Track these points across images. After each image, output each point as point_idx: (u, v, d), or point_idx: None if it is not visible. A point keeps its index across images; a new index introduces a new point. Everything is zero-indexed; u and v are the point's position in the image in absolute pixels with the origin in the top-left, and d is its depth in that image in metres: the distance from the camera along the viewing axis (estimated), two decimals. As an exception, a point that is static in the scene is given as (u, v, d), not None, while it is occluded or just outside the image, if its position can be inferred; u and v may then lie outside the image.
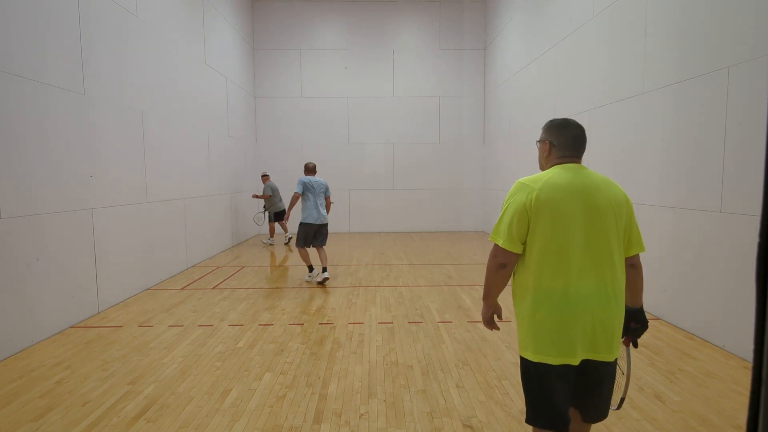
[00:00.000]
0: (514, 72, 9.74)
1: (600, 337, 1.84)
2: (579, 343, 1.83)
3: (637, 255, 2.00)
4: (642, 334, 2.07)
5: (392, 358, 3.82)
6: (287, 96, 12.17)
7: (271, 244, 10.30)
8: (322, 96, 12.17)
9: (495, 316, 2.11)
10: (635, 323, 2.05)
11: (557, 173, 1.90)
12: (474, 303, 5.44)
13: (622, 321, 1.92)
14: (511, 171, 10.06)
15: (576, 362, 1.83)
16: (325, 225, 6.53)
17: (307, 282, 6.51)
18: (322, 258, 6.48)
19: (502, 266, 1.91)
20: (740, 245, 3.72)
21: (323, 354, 3.92)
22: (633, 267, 2.00)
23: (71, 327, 4.64)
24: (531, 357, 1.88)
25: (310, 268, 6.55)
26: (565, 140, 1.97)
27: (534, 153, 8.71)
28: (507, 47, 10.31)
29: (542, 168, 2.06)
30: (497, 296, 2.01)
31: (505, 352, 3.93)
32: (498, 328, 2.14)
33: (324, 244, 6.54)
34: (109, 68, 5.40)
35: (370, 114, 12.25)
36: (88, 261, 4.97)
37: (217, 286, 6.43)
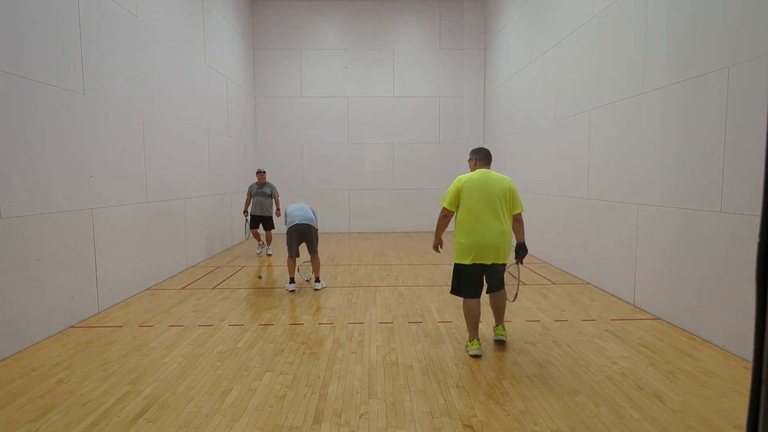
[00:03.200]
0: (514, 72, 9.74)
1: (492, 253, 3.77)
2: (481, 255, 3.77)
3: (519, 213, 3.89)
4: (525, 256, 3.99)
5: (392, 358, 3.82)
6: (287, 96, 12.17)
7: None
8: (322, 96, 12.17)
9: (439, 246, 4.14)
10: (521, 251, 3.98)
11: (475, 174, 3.87)
12: (474, 303, 5.44)
13: (508, 246, 3.83)
14: (511, 170, 10.05)
15: (479, 262, 3.79)
16: (313, 229, 6.05)
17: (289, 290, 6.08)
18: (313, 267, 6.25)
19: (445, 217, 3.92)
20: (740, 245, 3.72)
21: (323, 354, 3.92)
22: (516, 220, 3.91)
23: (71, 327, 4.64)
24: (456, 261, 3.89)
25: (291, 280, 6.12)
26: (480, 158, 4.01)
27: (532, 153, 8.78)
28: (507, 47, 10.31)
29: (471, 170, 4.00)
30: (441, 234, 4.05)
31: (505, 351, 3.93)
32: (440, 252, 4.23)
33: (315, 252, 6.15)
34: (109, 68, 5.40)
35: (370, 114, 12.25)
36: (88, 261, 4.96)
37: (217, 286, 6.43)
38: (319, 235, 6.24)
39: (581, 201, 6.57)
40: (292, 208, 6.15)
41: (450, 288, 3.99)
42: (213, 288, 6.30)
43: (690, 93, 4.31)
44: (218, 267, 7.74)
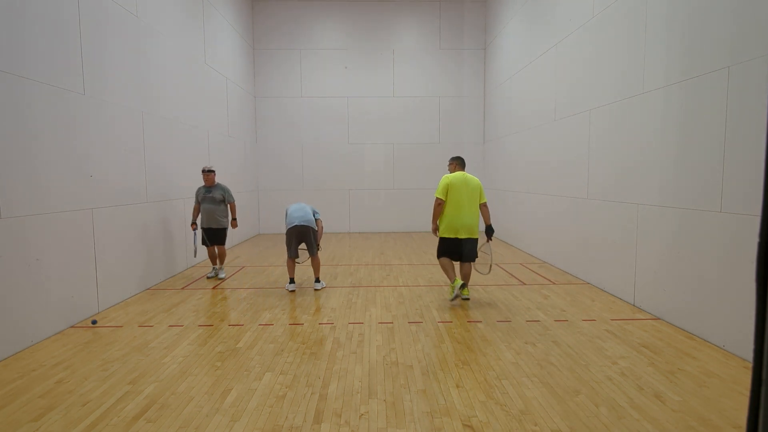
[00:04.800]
0: (514, 72, 9.74)
1: (466, 230, 5.30)
2: (458, 231, 5.30)
3: (484, 202, 5.43)
4: (492, 234, 5.52)
5: (392, 358, 3.82)
6: (287, 96, 12.17)
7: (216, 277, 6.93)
8: (322, 96, 12.17)
9: (437, 231, 5.49)
10: (490, 230, 5.51)
11: (456, 174, 5.43)
12: (474, 303, 5.44)
13: (476, 225, 5.35)
14: (511, 170, 10.06)
15: (456, 236, 5.33)
16: (311, 230, 6.02)
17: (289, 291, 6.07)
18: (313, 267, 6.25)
19: (439, 205, 5.37)
20: (740, 245, 3.72)
21: (323, 354, 3.93)
22: (484, 206, 5.44)
23: (71, 327, 4.64)
24: (441, 235, 5.43)
25: (291, 280, 6.12)
26: (458, 163, 5.61)
27: (532, 153, 8.75)
28: (507, 47, 10.31)
29: (451, 173, 5.51)
30: (437, 219, 5.43)
31: (505, 351, 3.93)
32: (437, 235, 5.50)
33: (315, 253, 6.11)
34: (109, 68, 5.40)
35: (370, 114, 12.25)
36: (88, 261, 4.97)
37: (217, 286, 6.43)
38: (322, 233, 6.29)
39: (581, 201, 6.57)
40: (292, 209, 6.15)
41: (436, 254, 5.61)
42: (213, 288, 6.30)
43: (690, 93, 4.31)
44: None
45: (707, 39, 4.10)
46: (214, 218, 6.70)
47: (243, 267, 7.75)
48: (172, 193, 7.10)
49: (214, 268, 6.94)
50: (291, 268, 6.12)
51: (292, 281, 6.09)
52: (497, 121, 11.17)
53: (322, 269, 7.15)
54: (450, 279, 5.46)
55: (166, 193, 6.85)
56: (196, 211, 6.85)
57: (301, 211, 6.07)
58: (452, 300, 5.37)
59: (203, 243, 6.83)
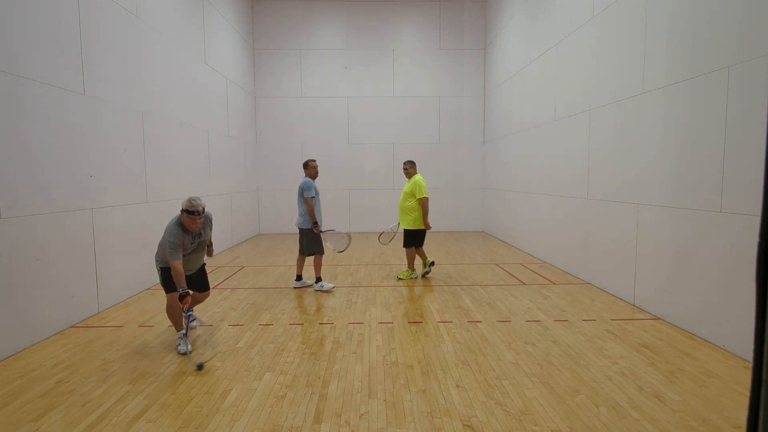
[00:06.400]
0: (514, 72, 9.74)
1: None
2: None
3: None
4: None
5: (392, 358, 3.82)
6: (287, 96, 12.17)
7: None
8: (322, 96, 12.17)
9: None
10: None
11: (420, 175, 6.64)
12: (474, 303, 5.44)
13: None
14: (511, 171, 10.06)
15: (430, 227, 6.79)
16: (303, 230, 6.06)
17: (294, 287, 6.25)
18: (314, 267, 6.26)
19: (427, 201, 6.51)
20: (740, 245, 3.72)
21: (323, 354, 3.93)
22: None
23: (71, 327, 4.64)
24: (422, 227, 6.55)
25: (298, 277, 6.25)
26: (415, 165, 6.74)
27: (532, 153, 8.74)
28: (507, 47, 10.31)
29: (410, 176, 6.69)
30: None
31: (505, 352, 3.93)
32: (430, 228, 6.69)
33: (309, 253, 6.08)
34: (109, 68, 5.40)
35: (370, 114, 12.25)
36: (88, 261, 4.96)
37: (217, 286, 6.42)
38: (312, 211, 5.93)
39: (581, 201, 6.57)
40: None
41: (417, 244, 6.64)
42: (213, 288, 6.30)
43: (690, 93, 4.31)
44: (218, 267, 7.74)
45: (707, 39, 4.10)
46: (200, 261, 4.63)
47: (243, 267, 7.75)
48: (172, 192, 7.09)
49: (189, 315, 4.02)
50: (299, 264, 6.28)
51: (298, 278, 6.24)
52: (497, 121, 11.16)
53: (322, 269, 7.14)
54: (425, 261, 6.86)
55: (166, 193, 6.85)
56: (181, 275, 3.93)
57: (298, 212, 6.14)
58: (425, 275, 6.77)
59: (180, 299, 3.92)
